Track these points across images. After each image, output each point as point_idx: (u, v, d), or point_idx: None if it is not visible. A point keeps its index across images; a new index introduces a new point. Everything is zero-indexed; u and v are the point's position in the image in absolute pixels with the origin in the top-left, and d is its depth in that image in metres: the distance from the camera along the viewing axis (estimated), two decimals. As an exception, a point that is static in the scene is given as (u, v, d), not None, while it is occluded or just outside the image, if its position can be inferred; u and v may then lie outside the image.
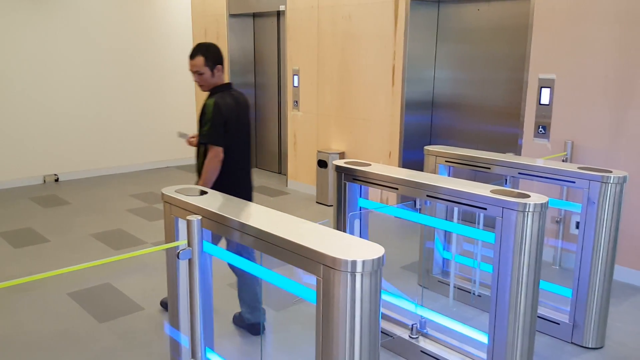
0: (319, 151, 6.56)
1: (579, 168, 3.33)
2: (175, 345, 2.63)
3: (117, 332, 3.47)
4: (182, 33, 8.52)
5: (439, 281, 4.07)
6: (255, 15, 8.14)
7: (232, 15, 7.95)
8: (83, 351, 3.24)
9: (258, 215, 2.21)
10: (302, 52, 6.83)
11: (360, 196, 3.37)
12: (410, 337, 3.17)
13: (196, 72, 3.30)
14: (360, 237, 3.38)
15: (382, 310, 3.41)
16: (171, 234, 2.47)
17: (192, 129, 8.77)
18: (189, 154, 8.86)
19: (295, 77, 6.97)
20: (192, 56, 3.31)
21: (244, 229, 2.08)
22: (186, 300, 2.44)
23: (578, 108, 4.38)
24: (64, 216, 5.96)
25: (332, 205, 4.49)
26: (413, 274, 4.40)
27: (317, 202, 6.56)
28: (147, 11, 8.11)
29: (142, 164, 8.41)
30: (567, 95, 4.43)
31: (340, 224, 3.37)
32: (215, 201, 2.36)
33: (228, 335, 3.43)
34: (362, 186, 3.34)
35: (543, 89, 4.54)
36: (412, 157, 5.82)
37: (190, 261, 2.17)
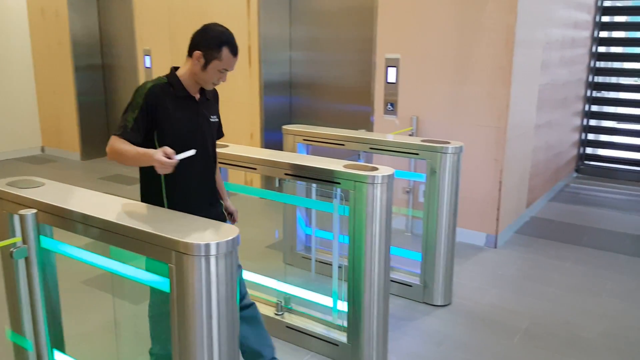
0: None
1: (422, 141, 3.58)
2: (19, 352, 2.42)
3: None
4: (16, 12, 7.68)
5: (302, 257, 4.17)
6: (98, -8, 7.58)
7: (71, -8, 7.33)
8: None
9: (102, 204, 2.08)
10: (153, 32, 6.51)
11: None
12: (275, 314, 3.23)
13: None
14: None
15: (248, 290, 3.42)
16: (5, 232, 2.24)
17: (34, 113, 8.02)
18: (31, 144, 8.11)
19: (147, 58, 6.64)
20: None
21: (88, 220, 1.95)
22: (28, 302, 2.24)
23: (421, 85, 4.70)
24: None
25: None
26: (278, 252, 4.46)
27: (178, 188, 6.36)
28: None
29: (-24, 157, 7.53)
30: (411, 74, 4.73)
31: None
32: (53, 192, 2.18)
33: (83, 334, 3.22)
34: (222, 168, 3.29)
35: (389, 68, 4.79)
36: (273, 138, 5.86)
37: (27, 259, 1.99)
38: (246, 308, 2.62)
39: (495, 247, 4.59)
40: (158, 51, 6.51)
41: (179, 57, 6.31)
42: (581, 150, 7.18)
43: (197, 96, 2.42)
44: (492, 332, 3.31)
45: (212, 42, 2.28)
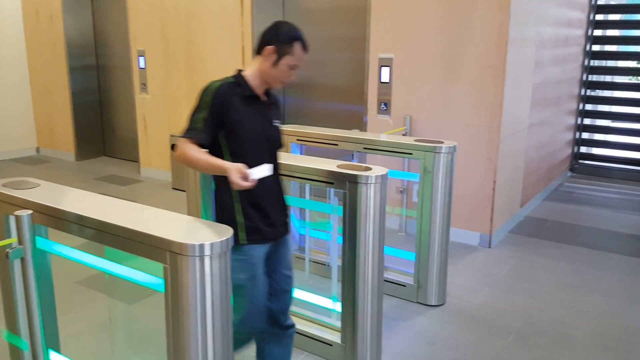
0: (171, 135, 6.34)
1: (415, 140, 3.60)
2: (15, 352, 2.42)
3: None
4: (11, 14, 7.66)
5: (297, 257, 4.17)
6: (93, -7, 7.58)
7: (66, -7, 7.32)
8: None
9: (97, 205, 2.09)
10: (147, 32, 6.50)
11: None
12: (269, 313, 3.23)
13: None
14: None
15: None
16: (0, 233, 2.25)
17: (29, 113, 8.01)
18: (26, 145, 8.09)
19: (141, 59, 6.63)
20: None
21: (83, 221, 1.96)
22: (23, 302, 2.25)
23: (414, 85, 4.72)
24: None
25: (186, 190, 4.40)
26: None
27: (173, 189, 6.37)
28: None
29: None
30: (405, 73, 4.75)
31: (193, 209, 3.31)
32: (48, 193, 2.19)
33: (78, 334, 3.23)
34: (214, 169, 3.30)
35: (383, 68, 4.81)
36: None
37: (22, 260, 2.00)
38: (285, 328, 2.50)
39: (489, 246, 4.62)
40: (152, 52, 6.51)
41: (173, 58, 6.33)
42: (575, 149, 7.22)
43: (264, 98, 2.34)
44: (486, 332, 3.33)
45: (284, 37, 2.22)
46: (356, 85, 5.36)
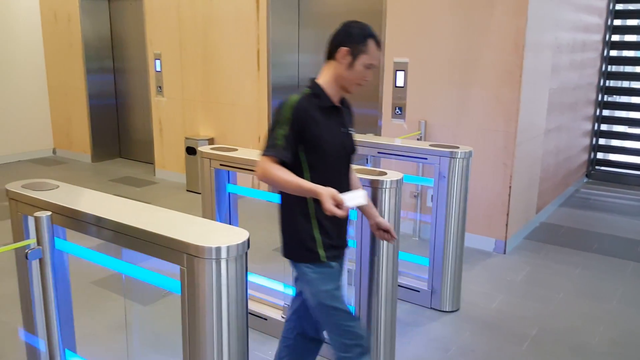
0: (186, 138, 6.38)
1: (430, 145, 3.58)
2: (32, 351, 2.45)
3: (-36, 345, 3.14)
4: (29, 17, 7.77)
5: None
6: (110, -4, 7.66)
7: (84, -4, 7.41)
8: None
9: (115, 207, 2.11)
10: (163, 36, 6.56)
11: (229, 182, 3.35)
12: (282, 317, 3.24)
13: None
14: (230, 223, 3.38)
15: (255, 293, 3.44)
16: (20, 234, 2.28)
17: (46, 115, 8.10)
18: (43, 146, 8.19)
19: (157, 62, 6.69)
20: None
21: (100, 222, 1.98)
22: (41, 303, 2.27)
23: (429, 89, 4.71)
24: None
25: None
26: (286, 255, 4.47)
27: (187, 190, 6.40)
28: (-16, -11, 7.29)
29: (-11, 158, 7.61)
30: (420, 78, 4.74)
31: (208, 211, 3.33)
32: (67, 195, 2.21)
33: (93, 335, 3.26)
34: (230, 172, 3.32)
35: (398, 72, 4.80)
36: (281, 141, 5.87)
37: (41, 261, 2.02)
38: (312, 341, 2.43)
39: (504, 252, 4.58)
40: (168, 55, 6.56)
41: (188, 61, 6.37)
42: (592, 155, 7.14)
43: (339, 105, 2.24)
44: (500, 339, 3.31)
45: (357, 36, 2.14)
46: (371, 89, 5.35)
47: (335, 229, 2.21)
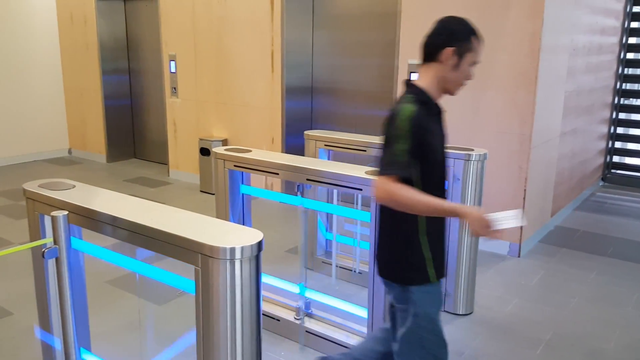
0: (200, 139, 6.42)
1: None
2: (47, 349, 2.48)
3: (-20, 342, 3.18)
4: (46, 18, 7.86)
5: (322, 262, 4.18)
6: (126, -2, 7.74)
7: (100, -2, 7.49)
8: (-60, 367, 2.94)
9: (130, 207, 2.12)
10: (178, 37, 6.60)
11: (243, 183, 3.36)
12: (295, 318, 3.24)
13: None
14: (244, 224, 3.39)
15: (268, 294, 3.45)
16: (36, 233, 2.30)
17: (62, 115, 8.19)
18: (58, 146, 8.27)
19: (172, 63, 6.74)
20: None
21: (116, 222, 2.00)
22: (57, 301, 2.30)
23: (444, 92, 4.68)
24: None
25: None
26: (298, 256, 4.48)
27: (201, 191, 6.43)
28: (2, -9, 7.39)
29: (7, 157, 7.70)
30: (435, 80, 4.71)
31: (222, 212, 3.34)
32: (83, 194, 2.23)
33: (107, 334, 3.28)
34: (244, 173, 3.33)
35: (412, 74, 4.79)
36: (295, 142, 5.89)
37: (57, 260, 2.04)
38: (383, 354, 2.31)
39: (519, 256, 4.54)
40: (183, 56, 6.61)
41: (203, 63, 6.41)
42: (607, 158, 7.07)
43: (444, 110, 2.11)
44: (514, 343, 3.28)
45: (460, 34, 2.00)
46: (385, 91, 5.35)
47: (441, 245, 2.10)
